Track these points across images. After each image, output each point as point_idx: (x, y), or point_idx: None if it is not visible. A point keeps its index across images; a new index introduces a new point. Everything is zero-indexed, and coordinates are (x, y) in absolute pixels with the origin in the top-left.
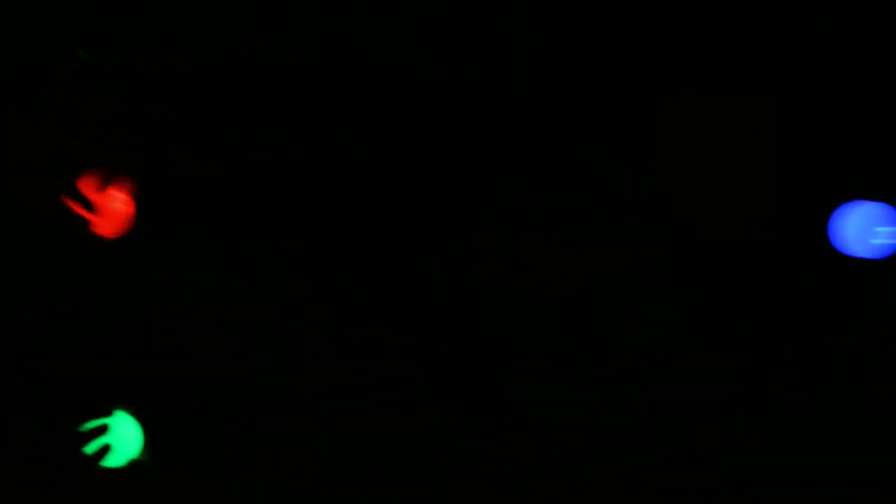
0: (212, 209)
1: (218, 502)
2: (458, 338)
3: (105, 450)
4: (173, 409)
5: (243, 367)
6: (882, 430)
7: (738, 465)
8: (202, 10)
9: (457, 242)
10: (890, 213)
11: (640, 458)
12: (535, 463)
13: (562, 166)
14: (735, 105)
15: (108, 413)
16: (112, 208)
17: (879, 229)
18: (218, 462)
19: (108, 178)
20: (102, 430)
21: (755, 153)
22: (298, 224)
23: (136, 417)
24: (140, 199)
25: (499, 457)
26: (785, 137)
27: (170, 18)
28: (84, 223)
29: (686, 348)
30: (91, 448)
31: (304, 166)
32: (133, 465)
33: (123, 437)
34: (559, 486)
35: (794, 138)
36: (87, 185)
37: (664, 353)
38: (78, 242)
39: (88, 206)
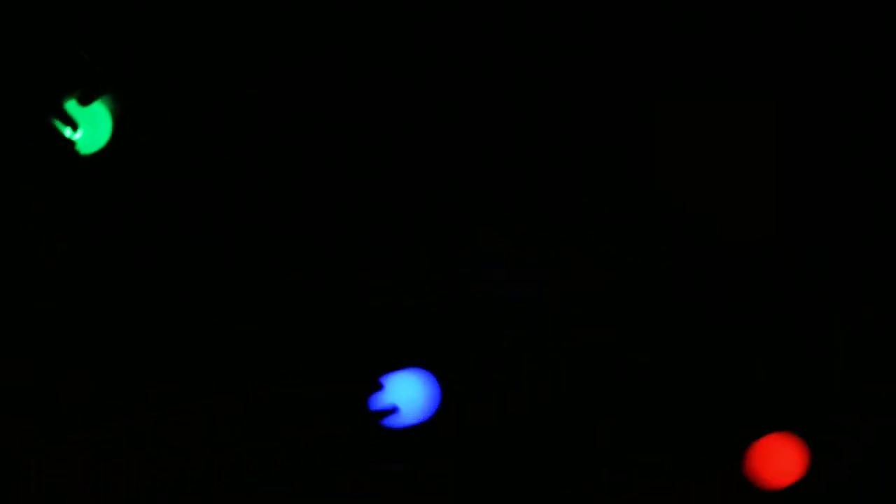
0: (210, 207)
1: None
2: (456, 337)
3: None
4: None
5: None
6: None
7: (734, 464)
8: (201, 12)
9: (455, 243)
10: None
11: (638, 459)
12: (534, 461)
13: (562, 166)
14: (735, 106)
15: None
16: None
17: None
18: None
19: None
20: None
21: (755, 153)
22: (295, 222)
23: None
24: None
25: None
26: (785, 137)
27: (170, 21)
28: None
29: (686, 348)
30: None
31: (303, 166)
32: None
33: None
34: (557, 485)
35: (794, 138)
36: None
37: (664, 352)
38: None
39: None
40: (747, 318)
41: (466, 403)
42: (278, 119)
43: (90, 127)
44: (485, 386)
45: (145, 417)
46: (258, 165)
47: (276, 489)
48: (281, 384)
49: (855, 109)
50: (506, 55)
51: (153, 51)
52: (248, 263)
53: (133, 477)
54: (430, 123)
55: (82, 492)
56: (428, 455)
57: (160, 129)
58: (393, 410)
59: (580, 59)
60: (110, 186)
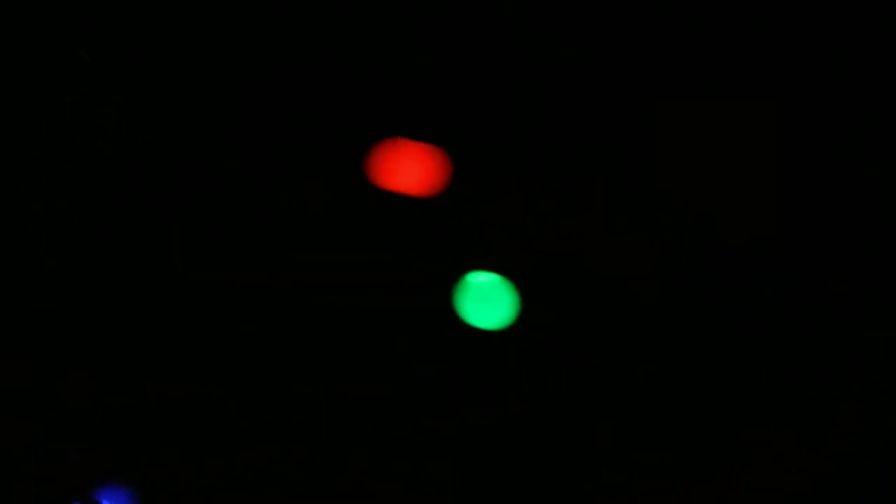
0: (201, 205)
1: None
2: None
3: None
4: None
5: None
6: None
7: (732, 463)
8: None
9: (454, 242)
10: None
11: (638, 459)
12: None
13: (562, 166)
14: (735, 106)
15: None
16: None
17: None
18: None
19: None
20: None
21: (755, 153)
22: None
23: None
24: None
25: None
26: (785, 137)
27: (170, 21)
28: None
29: (686, 347)
30: None
31: (303, 166)
32: None
33: None
34: (557, 485)
35: (794, 138)
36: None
37: (664, 353)
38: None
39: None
40: (747, 318)
41: (466, 403)
42: (278, 119)
43: (490, 303)
44: (485, 386)
45: (145, 417)
46: (258, 165)
47: (276, 489)
48: (281, 384)
49: (855, 109)
50: (506, 55)
51: (153, 51)
52: (248, 263)
53: (133, 477)
54: (430, 123)
55: (82, 492)
56: (428, 455)
57: (160, 129)
58: None
59: (580, 59)
60: (111, 186)
